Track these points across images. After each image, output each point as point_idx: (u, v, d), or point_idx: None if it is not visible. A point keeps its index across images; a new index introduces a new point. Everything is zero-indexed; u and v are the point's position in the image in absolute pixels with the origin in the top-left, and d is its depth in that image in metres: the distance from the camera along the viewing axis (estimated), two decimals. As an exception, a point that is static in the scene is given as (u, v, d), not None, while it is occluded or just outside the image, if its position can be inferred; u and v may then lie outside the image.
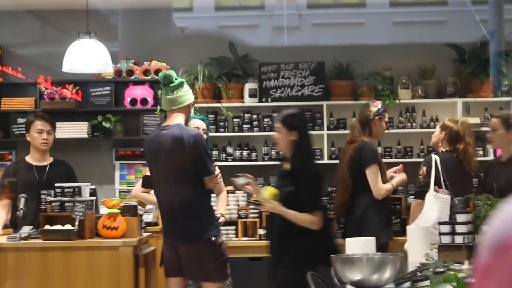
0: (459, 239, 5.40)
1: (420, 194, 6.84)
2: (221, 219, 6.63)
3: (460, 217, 5.46)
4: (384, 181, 6.99)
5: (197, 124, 6.31)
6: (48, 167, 7.09)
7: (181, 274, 5.78)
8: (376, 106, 7.10)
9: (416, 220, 6.69)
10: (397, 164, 7.48)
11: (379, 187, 6.89)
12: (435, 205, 6.62)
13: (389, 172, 7.19)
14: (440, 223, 5.64)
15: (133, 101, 8.75)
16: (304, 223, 5.42)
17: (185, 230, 5.64)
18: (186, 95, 5.77)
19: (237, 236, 8.17)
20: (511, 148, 6.18)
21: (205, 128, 6.43)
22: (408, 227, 5.88)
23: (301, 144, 5.52)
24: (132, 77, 8.83)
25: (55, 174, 7.06)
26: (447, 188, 6.80)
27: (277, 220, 5.58)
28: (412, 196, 8.10)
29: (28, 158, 7.12)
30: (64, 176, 7.07)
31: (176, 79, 5.75)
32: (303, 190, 5.46)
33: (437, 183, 6.81)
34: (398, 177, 7.14)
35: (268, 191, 5.45)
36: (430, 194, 6.71)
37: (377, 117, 7.06)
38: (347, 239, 5.04)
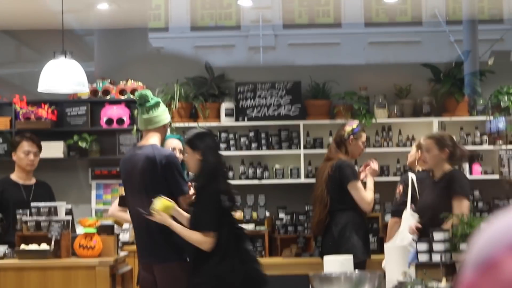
0: (436, 257, 5.41)
1: (397, 213, 6.86)
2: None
3: (437, 235, 5.47)
4: None
5: (173, 144, 6.29)
6: (33, 186, 7.07)
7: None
8: (351, 125, 7.12)
9: (394, 238, 6.70)
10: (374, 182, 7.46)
11: (366, 201, 6.92)
12: (411, 223, 6.64)
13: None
14: (418, 241, 5.65)
15: (109, 121, 8.72)
16: (193, 241, 5.31)
17: (160, 250, 5.61)
18: (162, 115, 5.76)
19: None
20: (443, 168, 6.22)
21: (181, 147, 6.41)
22: (385, 245, 5.88)
23: (205, 163, 5.44)
24: (108, 97, 8.81)
25: (40, 194, 7.03)
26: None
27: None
28: (389, 214, 8.13)
29: (14, 177, 7.09)
30: (47, 197, 7.05)
31: (152, 98, 5.74)
32: (199, 209, 5.38)
33: (414, 202, 6.83)
34: (368, 180, 7.11)
35: (160, 203, 5.39)
36: (407, 212, 6.73)
37: (351, 136, 7.07)
38: (325, 257, 5.03)
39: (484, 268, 0.98)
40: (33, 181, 7.13)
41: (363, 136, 7.22)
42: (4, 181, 7.16)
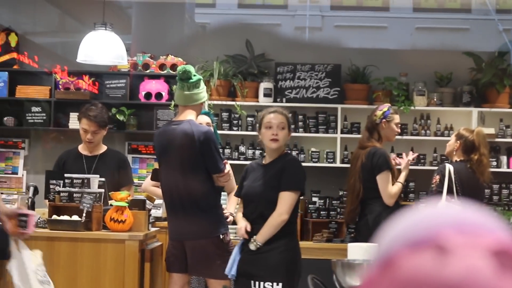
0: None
1: None
2: (230, 218, 6.61)
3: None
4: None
5: (200, 120, 6.28)
6: (98, 157, 7.08)
7: (184, 270, 5.76)
8: (381, 109, 7.00)
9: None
10: (409, 171, 7.38)
11: (389, 194, 6.82)
12: None
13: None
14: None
15: (148, 95, 8.74)
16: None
17: (193, 226, 5.63)
18: (202, 93, 5.78)
19: (245, 235, 8.12)
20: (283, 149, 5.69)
21: (209, 121, 6.40)
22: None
23: None
24: (148, 71, 8.82)
25: (104, 165, 7.03)
26: (459, 198, 6.75)
27: None
28: (423, 204, 8.05)
29: (80, 147, 7.13)
30: (114, 167, 7.05)
31: (194, 75, 5.75)
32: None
33: (450, 193, 6.76)
34: (403, 171, 7.03)
35: None
36: (442, 203, 6.66)
37: (383, 120, 6.97)
38: (349, 244, 5.00)
39: (382, 266, 0.98)
40: (100, 151, 7.13)
41: (396, 118, 7.06)
42: (69, 152, 7.19)
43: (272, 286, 5.34)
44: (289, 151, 5.81)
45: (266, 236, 5.41)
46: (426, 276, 0.94)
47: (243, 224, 5.52)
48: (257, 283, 5.36)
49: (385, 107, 7.06)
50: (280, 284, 5.34)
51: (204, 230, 5.65)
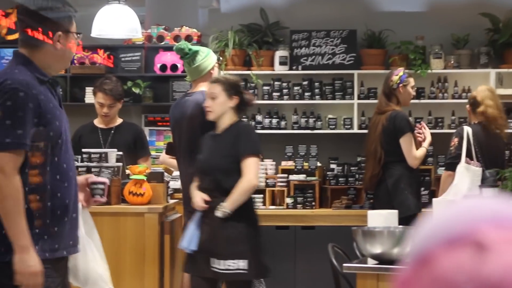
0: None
1: (451, 166, 6.80)
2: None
3: (486, 192, 5.40)
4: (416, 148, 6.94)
5: None
6: (113, 130, 7.11)
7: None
8: (397, 74, 7.03)
9: (447, 192, 6.64)
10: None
11: (414, 156, 6.84)
12: (466, 177, 6.58)
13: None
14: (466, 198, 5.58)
15: (163, 67, 8.72)
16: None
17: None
18: (204, 62, 5.75)
19: (264, 205, 8.15)
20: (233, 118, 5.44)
21: None
22: (434, 200, 5.82)
23: None
24: (163, 43, 8.80)
25: (120, 137, 7.07)
26: (478, 160, 6.74)
27: None
28: (442, 168, 8.03)
29: (96, 121, 7.16)
30: (130, 139, 7.08)
31: (189, 50, 5.72)
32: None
33: (469, 155, 6.76)
34: (427, 137, 7.04)
35: None
36: (461, 166, 6.67)
37: (400, 85, 6.99)
38: (369, 212, 4.99)
39: (418, 263, 0.95)
40: (115, 123, 7.15)
41: (412, 81, 7.13)
42: (85, 126, 7.22)
43: (235, 263, 5.17)
44: (242, 119, 5.59)
45: (236, 203, 5.21)
46: (465, 275, 0.90)
47: (199, 196, 5.34)
48: (220, 261, 5.19)
49: (400, 71, 7.06)
50: (246, 260, 5.18)
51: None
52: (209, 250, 5.24)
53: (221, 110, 5.34)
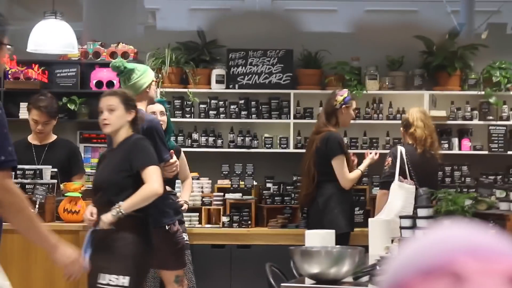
0: (419, 234, 5.40)
1: (386, 185, 6.91)
2: (185, 206, 6.59)
3: (421, 212, 5.47)
4: (350, 170, 7.03)
5: (154, 109, 6.21)
6: (47, 146, 7.02)
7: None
8: (342, 95, 7.15)
9: (382, 211, 6.73)
10: (362, 154, 7.51)
11: (346, 178, 6.95)
12: (400, 195, 6.69)
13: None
14: (401, 217, 5.65)
15: (99, 84, 8.65)
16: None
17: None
18: (139, 80, 5.66)
19: (200, 223, 8.12)
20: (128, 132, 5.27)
21: (163, 110, 6.34)
22: (369, 219, 5.90)
23: None
24: (99, 59, 8.74)
25: (54, 154, 6.98)
26: (412, 179, 6.85)
27: None
28: (377, 187, 8.14)
29: (30, 137, 7.07)
30: (64, 156, 6.99)
31: (125, 68, 5.65)
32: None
33: (403, 174, 6.87)
34: (365, 161, 7.17)
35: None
36: (395, 184, 6.79)
37: (344, 105, 7.10)
38: (307, 231, 5.02)
39: None
40: (49, 140, 7.07)
41: (354, 104, 7.33)
42: (19, 143, 7.10)
43: (118, 279, 5.00)
44: (136, 133, 5.30)
45: (133, 206, 5.01)
46: None
47: (88, 210, 5.18)
48: (105, 276, 5.01)
49: (345, 92, 7.20)
50: (128, 277, 5.00)
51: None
52: (97, 264, 5.01)
53: (119, 123, 5.17)
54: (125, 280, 4.96)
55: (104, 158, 5.32)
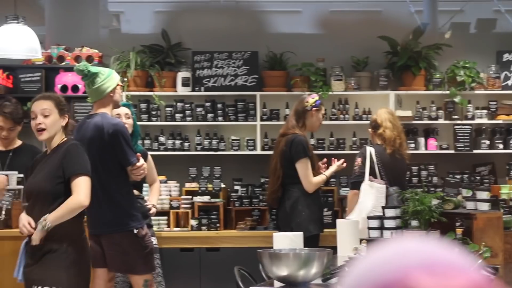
0: (387, 234, 5.43)
1: (356, 185, 6.94)
2: (153, 210, 6.57)
3: (388, 212, 5.49)
4: (315, 174, 7.04)
5: (119, 111, 6.19)
6: (12, 152, 6.95)
7: (106, 265, 5.70)
8: (313, 97, 7.19)
9: (353, 211, 6.76)
10: (329, 155, 7.52)
11: (309, 181, 6.97)
12: (370, 194, 6.72)
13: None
14: (369, 218, 5.67)
15: (64, 88, 8.60)
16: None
17: (107, 220, 5.57)
18: (104, 84, 5.64)
19: (168, 227, 8.10)
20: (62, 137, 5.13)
21: (128, 113, 6.32)
22: (337, 220, 5.91)
23: None
24: (63, 64, 8.68)
25: (19, 159, 6.92)
26: (382, 179, 6.89)
27: None
28: (345, 188, 8.18)
29: None
30: (29, 162, 6.93)
31: (88, 71, 5.62)
32: None
33: (372, 174, 6.91)
34: (332, 167, 7.17)
35: None
36: (365, 184, 6.82)
37: (314, 108, 7.13)
38: (274, 234, 5.02)
39: None
40: (14, 146, 7.00)
41: (323, 109, 7.36)
42: None
43: None
44: (71, 138, 5.18)
45: (59, 219, 4.91)
46: None
47: (24, 220, 5.00)
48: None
49: (316, 96, 7.24)
50: None
51: (117, 224, 5.57)
52: (30, 277, 4.99)
53: (55, 129, 5.07)
54: None
55: (36, 164, 5.19)
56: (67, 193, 4.95)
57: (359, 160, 7.03)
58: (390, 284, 0.91)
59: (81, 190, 4.96)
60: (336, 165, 7.19)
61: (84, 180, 4.99)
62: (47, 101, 5.07)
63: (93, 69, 5.68)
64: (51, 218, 4.87)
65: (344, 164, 7.19)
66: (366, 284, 0.93)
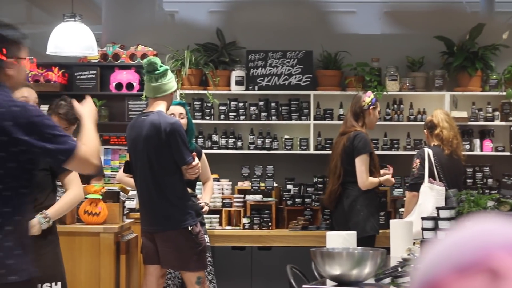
0: (441, 235, 5.36)
1: (415, 187, 6.88)
2: (205, 208, 6.58)
3: (443, 213, 5.42)
4: (374, 172, 7.00)
5: (173, 111, 6.22)
6: None
7: (158, 262, 5.73)
8: (369, 96, 7.17)
9: (412, 212, 6.70)
10: (383, 156, 7.47)
11: (364, 178, 6.92)
12: (430, 196, 6.67)
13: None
14: (423, 219, 5.62)
15: (119, 86, 8.67)
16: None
17: (161, 218, 5.60)
18: (170, 83, 5.72)
19: (220, 225, 8.12)
20: None
21: (182, 112, 6.36)
22: (391, 221, 5.86)
23: None
24: (118, 62, 8.75)
25: None
26: (441, 180, 6.83)
27: None
28: (398, 190, 8.13)
29: None
30: None
31: (160, 66, 5.70)
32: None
33: (431, 175, 6.84)
34: (386, 176, 7.13)
35: None
36: (425, 186, 6.76)
37: (371, 107, 7.10)
38: (328, 232, 4.99)
39: None
40: None
41: (379, 106, 7.36)
42: None
43: (50, 286, 4.90)
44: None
45: (60, 212, 4.95)
46: None
47: None
48: (38, 285, 4.69)
49: (371, 94, 7.21)
50: (59, 283, 4.91)
51: (171, 222, 5.61)
52: None
53: None
54: (57, 287, 4.90)
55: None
56: (53, 185, 4.99)
57: (417, 161, 6.95)
58: (471, 264, 0.88)
59: (78, 183, 5.02)
60: (388, 177, 7.11)
61: (75, 174, 5.00)
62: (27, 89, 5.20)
63: (164, 65, 5.76)
64: (53, 213, 4.85)
65: (390, 178, 7.14)
66: (444, 266, 0.90)
